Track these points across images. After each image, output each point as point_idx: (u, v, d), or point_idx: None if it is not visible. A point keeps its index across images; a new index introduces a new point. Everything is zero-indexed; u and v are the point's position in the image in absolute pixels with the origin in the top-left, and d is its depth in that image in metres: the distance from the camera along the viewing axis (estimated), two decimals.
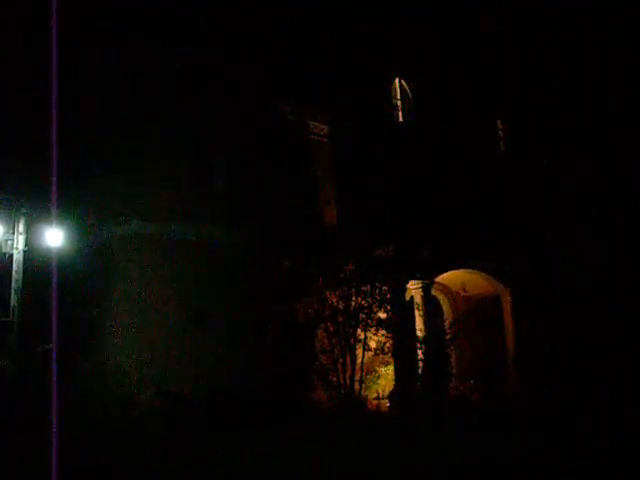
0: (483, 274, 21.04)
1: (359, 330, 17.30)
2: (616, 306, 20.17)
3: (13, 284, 14.54)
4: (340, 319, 17.21)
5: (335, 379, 17.05)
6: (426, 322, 19.11)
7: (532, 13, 24.21)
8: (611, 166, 23.03)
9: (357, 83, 20.90)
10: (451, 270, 20.29)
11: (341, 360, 17.10)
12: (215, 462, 10.99)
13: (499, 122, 25.17)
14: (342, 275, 17.36)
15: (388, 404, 18.12)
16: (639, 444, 11.56)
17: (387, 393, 18.31)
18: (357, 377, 17.13)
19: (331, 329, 17.24)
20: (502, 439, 12.83)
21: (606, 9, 24.30)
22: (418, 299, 19.38)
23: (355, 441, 12.98)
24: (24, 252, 14.80)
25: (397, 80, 23.08)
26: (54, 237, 14.73)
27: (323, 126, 20.71)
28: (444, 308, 22.35)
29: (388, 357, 17.98)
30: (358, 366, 17.17)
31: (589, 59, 24.21)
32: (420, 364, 18.30)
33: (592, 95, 23.94)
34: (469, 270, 20.77)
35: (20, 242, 14.79)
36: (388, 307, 17.88)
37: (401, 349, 17.99)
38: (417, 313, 19.24)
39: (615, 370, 18.19)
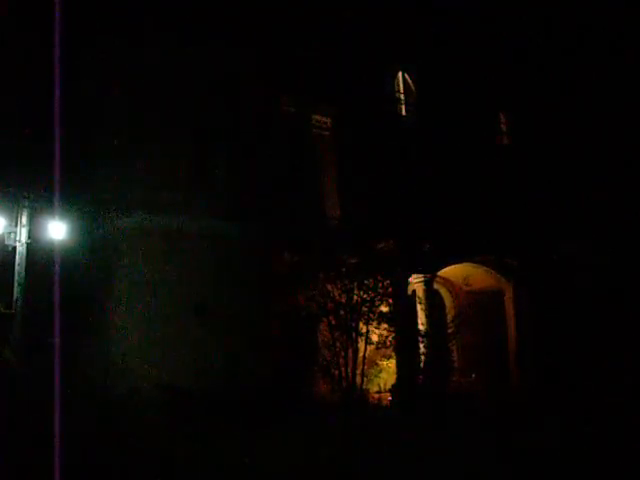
0: (485, 268, 21.06)
1: (361, 323, 17.29)
2: (619, 301, 20.14)
3: (16, 277, 14.58)
4: (342, 312, 17.20)
5: (337, 372, 17.05)
6: (428, 316, 19.15)
7: (535, 6, 24.04)
8: (614, 163, 22.94)
9: (360, 76, 20.78)
10: (453, 264, 20.31)
11: (343, 353, 17.09)
12: (214, 461, 11.01)
13: (502, 115, 25.07)
14: (344, 268, 17.36)
15: (390, 397, 18.17)
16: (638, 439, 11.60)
17: (389, 386, 18.35)
18: (359, 370, 17.14)
19: (333, 322, 17.24)
20: (502, 436, 12.84)
21: (610, 3, 24.15)
22: (420, 293, 19.42)
23: (356, 436, 13.02)
24: (27, 245, 14.82)
25: (400, 73, 22.99)
26: (57, 229, 14.73)
27: (326, 119, 20.67)
28: (446, 302, 22.38)
29: (390, 351, 18.00)
30: (360, 359, 17.17)
31: (594, 52, 24.07)
32: (422, 358, 18.34)
33: (596, 89, 23.81)
34: (471, 264, 20.79)
35: (23, 235, 14.81)
36: (390, 301, 17.88)
37: (403, 343, 18.02)
38: (419, 307, 19.28)
39: (617, 365, 18.20)
